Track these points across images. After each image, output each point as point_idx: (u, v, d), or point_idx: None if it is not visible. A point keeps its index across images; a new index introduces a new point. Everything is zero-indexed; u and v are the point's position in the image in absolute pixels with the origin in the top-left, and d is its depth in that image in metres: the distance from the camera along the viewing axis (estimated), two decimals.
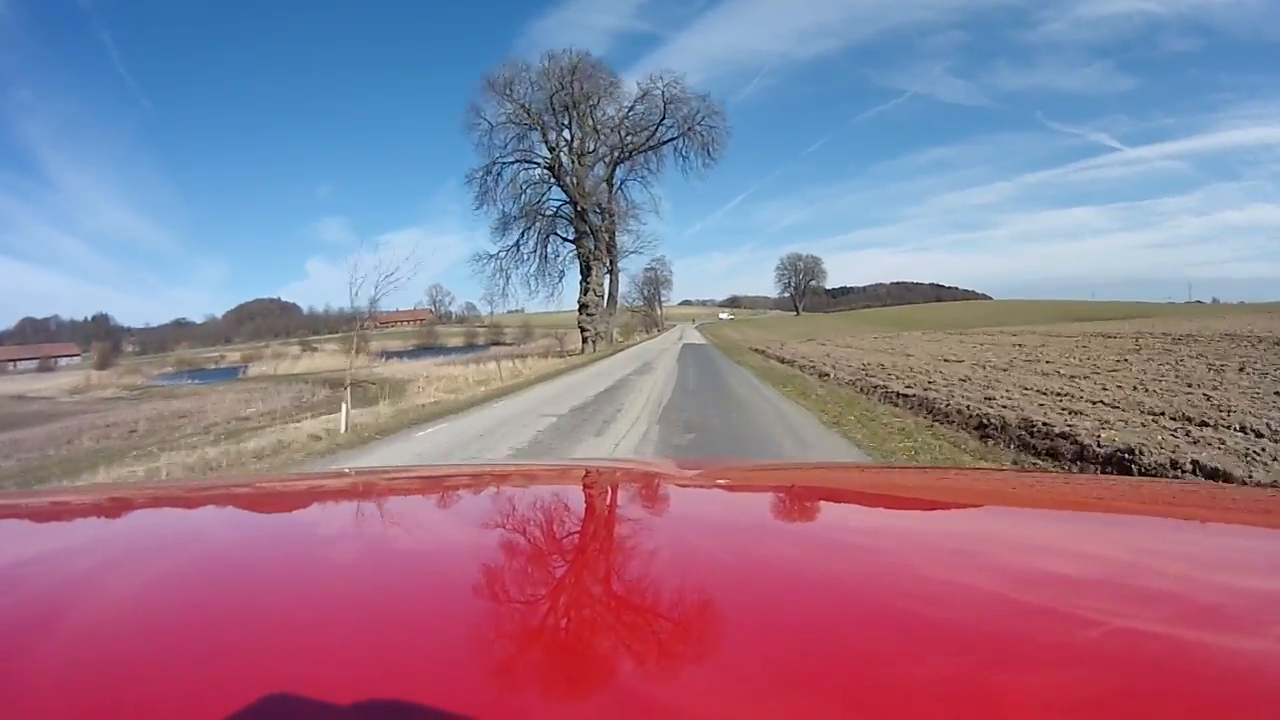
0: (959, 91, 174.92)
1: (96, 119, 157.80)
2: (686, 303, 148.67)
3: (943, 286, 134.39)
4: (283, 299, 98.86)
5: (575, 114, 31.60)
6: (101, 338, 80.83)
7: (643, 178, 33.12)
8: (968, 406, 7.31)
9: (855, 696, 0.34)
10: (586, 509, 0.86)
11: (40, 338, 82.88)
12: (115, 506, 0.96)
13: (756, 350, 23.98)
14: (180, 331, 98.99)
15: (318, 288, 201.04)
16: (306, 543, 0.70)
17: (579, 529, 0.74)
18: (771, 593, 0.50)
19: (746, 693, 0.34)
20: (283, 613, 0.48)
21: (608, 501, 0.89)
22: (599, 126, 32.12)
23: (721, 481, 1.01)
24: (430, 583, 0.54)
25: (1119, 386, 7.98)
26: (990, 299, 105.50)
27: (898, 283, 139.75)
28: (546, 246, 32.38)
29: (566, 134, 32.11)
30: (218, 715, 0.32)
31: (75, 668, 0.39)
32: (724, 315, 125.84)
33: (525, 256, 31.75)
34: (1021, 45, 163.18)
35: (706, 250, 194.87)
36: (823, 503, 0.88)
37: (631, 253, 35.01)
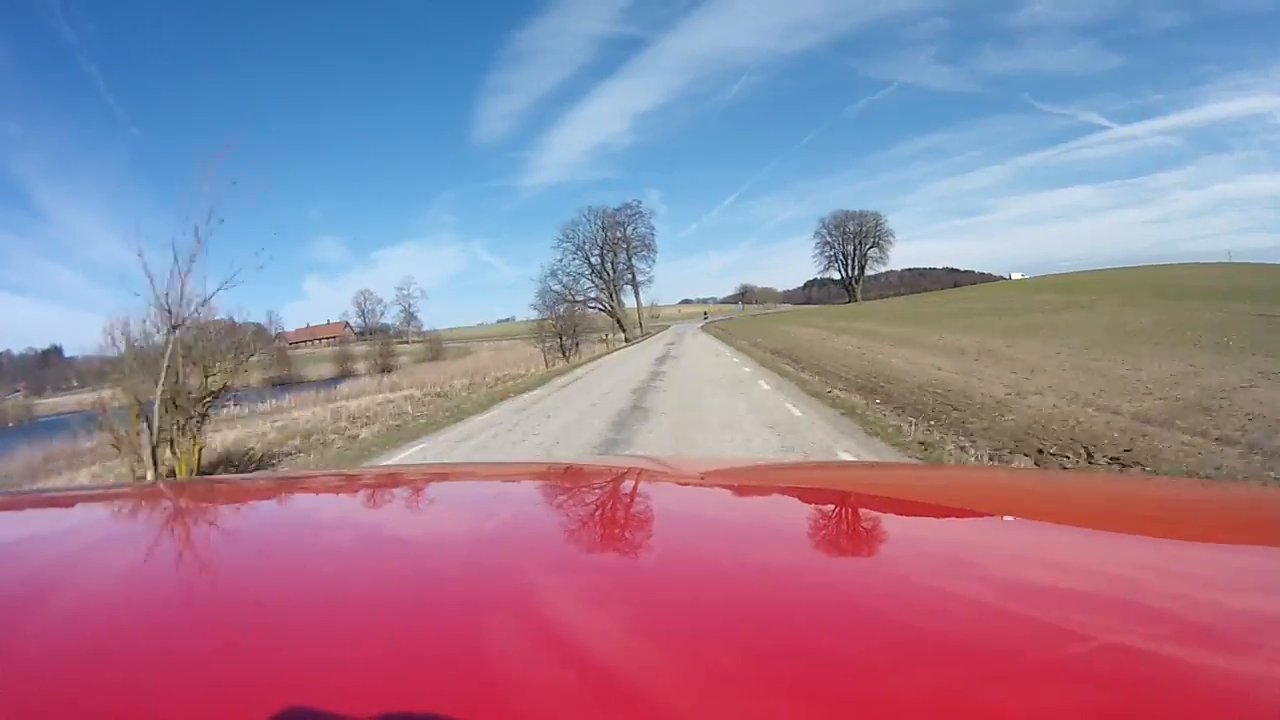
0: (946, 78, 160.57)
1: (86, 150, 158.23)
2: (687, 301, 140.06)
3: (959, 271, 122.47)
4: (234, 319, 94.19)
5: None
6: (41, 372, 77.98)
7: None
8: None
9: (843, 704, 0.34)
10: (584, 508, 0.87)
11: None
12: (115, 504, 0.96)
13: None
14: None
15: (316, 307, 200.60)
16: (298, 541, 0.70)
17: (576, 528, 0.74)
18: (766, 595, 0.49)
19: (737, 696, 0.34)
20: (278, 611, 0.48)
21: (606, 501, 0.89)
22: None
23: (720, 481, 0.99)
24: (422, 582, 0.54)
25: None
26: (1008, 279, 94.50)
27: (910, 269, 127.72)
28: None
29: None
30: (215, 712, 0.32)
31: (71, 665, 0.40)
32: (739, 309, 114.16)
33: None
34: (1005, 28, 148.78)
35: (704, 250, 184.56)
36: (822, 504, 0.85)
37: None
